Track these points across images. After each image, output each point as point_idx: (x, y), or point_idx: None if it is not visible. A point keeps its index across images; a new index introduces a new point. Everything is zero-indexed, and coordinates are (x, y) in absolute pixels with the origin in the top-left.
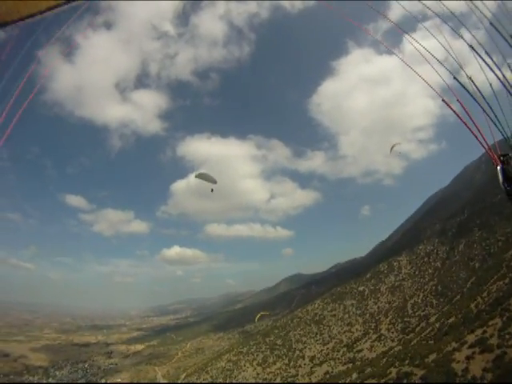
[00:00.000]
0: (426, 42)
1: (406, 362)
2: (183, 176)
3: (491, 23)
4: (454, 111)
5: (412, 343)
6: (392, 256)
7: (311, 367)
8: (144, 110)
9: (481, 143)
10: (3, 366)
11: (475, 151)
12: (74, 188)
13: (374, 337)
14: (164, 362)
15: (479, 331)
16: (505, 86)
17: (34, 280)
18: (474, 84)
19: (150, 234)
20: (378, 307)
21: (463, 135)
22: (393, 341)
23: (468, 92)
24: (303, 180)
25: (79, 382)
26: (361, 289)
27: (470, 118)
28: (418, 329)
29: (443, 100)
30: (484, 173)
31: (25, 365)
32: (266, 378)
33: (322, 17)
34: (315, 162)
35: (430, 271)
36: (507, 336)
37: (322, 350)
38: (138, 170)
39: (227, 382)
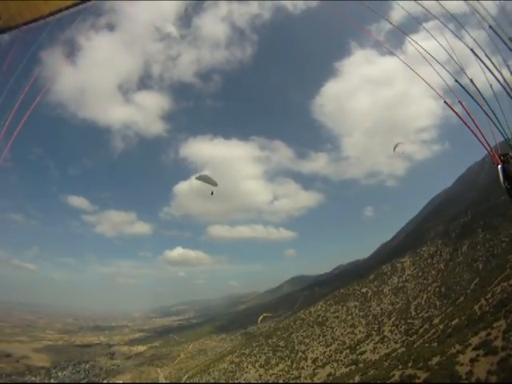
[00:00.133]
0: (429, 42)
1: (410, 364)
2: (186, 177)
3: (491, 26)
4: (456, 113)
5: (415, 345)
6: (395, 257)
7: (314, 369)
8: (147, 112)
9: (482, 144)
10: (5, 367)
11: (479, 152)
12: (77, 189)
13: (377, 338)
14: (166, 364)
15: (483, 333)
16: (504, 88)
17: (36, 281)
18: (475, 86)
19: (153, 235)
20: (381, 309)
21: (466, 136)
22: (396, 343)
23: (469, 94)
24: (306, 181)
25: (81, 382)
26: (364, 290)
27: (472, 119)
28: (421, 331)
29: (445, 102)
30: (487, 174)
31: (27, 365)
32: (268, 380)
33: (324, 17)
34: (318, 163)
35: (434, 272)
36: None
37: (324, 352)
38: (140, 172)
39: (229, 383)
